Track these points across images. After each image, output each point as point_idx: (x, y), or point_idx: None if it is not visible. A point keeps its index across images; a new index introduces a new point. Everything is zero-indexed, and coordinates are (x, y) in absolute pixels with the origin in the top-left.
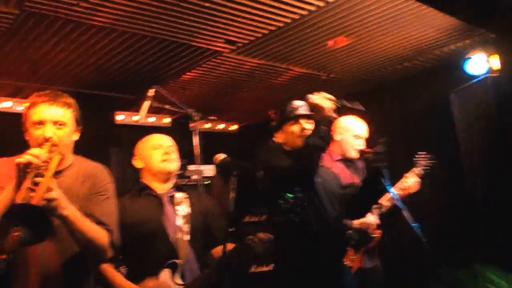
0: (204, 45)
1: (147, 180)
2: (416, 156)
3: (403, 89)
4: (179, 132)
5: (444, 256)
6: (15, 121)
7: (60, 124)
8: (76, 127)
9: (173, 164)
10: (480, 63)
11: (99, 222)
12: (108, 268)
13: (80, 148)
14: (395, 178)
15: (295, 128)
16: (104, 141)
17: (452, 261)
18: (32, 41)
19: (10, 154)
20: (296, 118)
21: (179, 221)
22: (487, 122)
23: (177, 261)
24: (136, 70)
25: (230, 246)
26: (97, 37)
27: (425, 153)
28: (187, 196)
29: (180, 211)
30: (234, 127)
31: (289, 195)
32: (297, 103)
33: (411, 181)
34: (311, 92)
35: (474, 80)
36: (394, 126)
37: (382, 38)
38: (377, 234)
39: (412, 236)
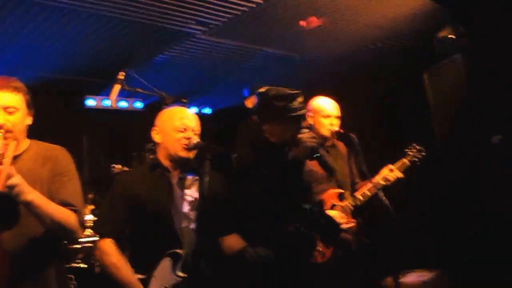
0: (176, 27)
1: (161, 156)
2: (410, 147)
3: (376, 70)
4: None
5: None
6: None
7: (12, 110)
8: (28, 111)
9: (193, 152)
10: (452, 43)
11: (65, 204)
12: (111, 250)
13: (50, 134)
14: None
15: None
16: (74, 127)
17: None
18: None
19: None
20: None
21: (186, 208)
22: (460, 102)
23: (179, 251)
24: (107, 54)
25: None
26: (65, 20)
27: (416, 145)
28: (198, 178)
29: (188, 196)
30: (207, 110)
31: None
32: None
33: (393, 175)
34: (286, 74)
35: (446, 60)
36: (367, 107)
37: (355, 17)
38: (351, 225)
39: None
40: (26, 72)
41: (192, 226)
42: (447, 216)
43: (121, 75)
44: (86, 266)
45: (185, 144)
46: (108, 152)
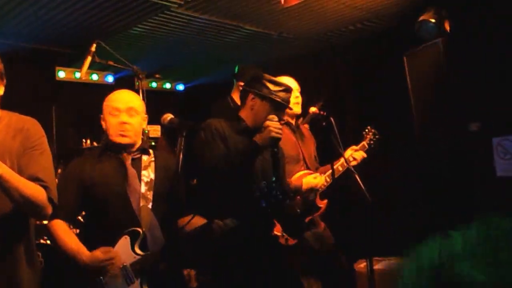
0: None
1: (108, 138)
2: (366, 130)
3: (355, 51)
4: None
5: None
6: None
7: None
8: (0, 81)
9: (129, 136)
10: (433, 27)
11: (35, 179)
12: (60, 227)
13: (19, 104)
14: (346, 143)
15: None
16: (44, 98)
17: None
18: None
19: None
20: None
21: (143, 188)
22: (439, 87)
23: (138, 229)
24: (80, 23)
25: (198, 219)
26: None
27: (371, 127)
28: (153, 159)
29: (145, 176)
30: (180, 87)
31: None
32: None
33: (359, 154)
34: (263, 51)
35: (426, 44)
36: (345, 88)
37: None
38: (322, 205)
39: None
40: None
41: (149, 205)
42: (423, 203)
43: (93, 47)
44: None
45: (119, 130)
46: (77, 126)
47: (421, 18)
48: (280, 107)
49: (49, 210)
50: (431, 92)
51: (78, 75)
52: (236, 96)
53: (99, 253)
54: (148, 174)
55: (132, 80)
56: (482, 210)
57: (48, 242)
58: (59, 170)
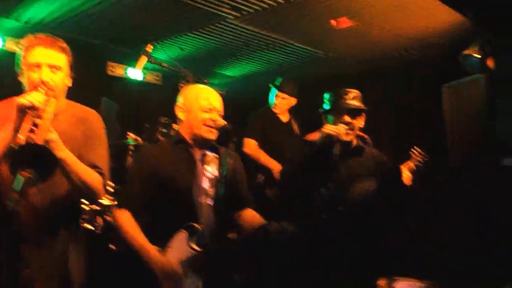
0: (209, 9)
1: (184, 132)
2: (412, 150)
3: (397, 77)
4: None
5: None
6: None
7: (56, 69)
8: (69, 73)
9: (216, 133)
10: (476, 62)
11: (93, 166)
12: (127, 218)
13: (71, 95)
14: None
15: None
16: (96, 91)
17: None
18: None
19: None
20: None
21: (206, 184)
22: (476, 122)
23: (196, 225)
24: (137, 24)
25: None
26: None
27: (420, 149)
28: (218, 156)
29: (208, 172)
30: (222, 92)
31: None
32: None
33: (405, 174)
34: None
35: (468, 78)
36: (383, 112)
37: (383, 24)
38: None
39: None
40: (54, 31)
41: (210, 202)
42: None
43: (149, 48)
44: (90, 227)
45: (210, 126)
46: (121, 120)
47: (466, 51)
48: None
49: (102, 196)
50: (468, 126)
51: (129, 72)
52: (276, 106)
53: (165, 260)
54: (212, 170)
55: (178, 82)
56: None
57: (86, 225)
58: None
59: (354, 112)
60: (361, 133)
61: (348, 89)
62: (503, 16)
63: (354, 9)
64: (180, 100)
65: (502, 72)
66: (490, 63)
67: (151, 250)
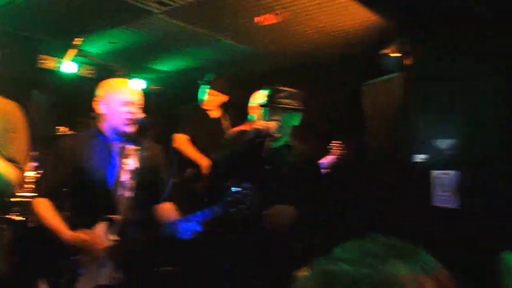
0: (136, 3)
1: (103, 126)
2: (330, 144)
3: (317, 75)
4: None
5: None
6: None
7: None
8: None
9: (135, 126)
10: (394, 60)
11: (10, 159)
12: (44, 205)
13: (0, 87)
14: None
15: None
16: (26, 83)
17: None
18: None
19: None
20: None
21: (124, 176)
22: (392, 119)
23: (114, 216)
24: (68, 17)
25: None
26: None
27: (339, 142)
28: (138, 148)
29: (128, 165)
30: (155, 87)
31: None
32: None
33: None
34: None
35: (386, 76)
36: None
37: (307, 22)
38: None
39: None
40: None
41: (128, 194)
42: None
43: (77, 41)
44: (22, 218)
45: (129, 119)
46: (54, 113)
47: (384, 51)
48: None
49: (17, 189)
50: (385, 124)
51: (60, 64)
52: (206, 103)
53: (82, 234)
54: (131, 163)
55: (109, 75)
56: None
57: (17, 218)
58: (34, 153)
59: (287, 111)
60: (292, 131)
61: (283, 87)
62: (420, 17)
63: (278, 6)
64: (98, 93)
65: (418, 71)
66: (407, 61)
67: (66, 230)
